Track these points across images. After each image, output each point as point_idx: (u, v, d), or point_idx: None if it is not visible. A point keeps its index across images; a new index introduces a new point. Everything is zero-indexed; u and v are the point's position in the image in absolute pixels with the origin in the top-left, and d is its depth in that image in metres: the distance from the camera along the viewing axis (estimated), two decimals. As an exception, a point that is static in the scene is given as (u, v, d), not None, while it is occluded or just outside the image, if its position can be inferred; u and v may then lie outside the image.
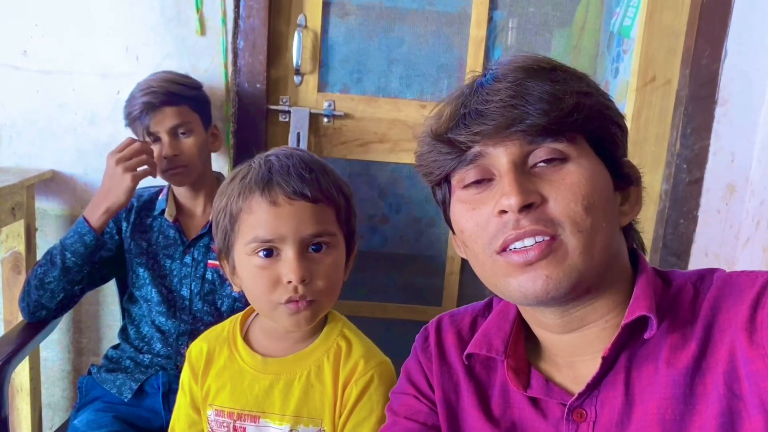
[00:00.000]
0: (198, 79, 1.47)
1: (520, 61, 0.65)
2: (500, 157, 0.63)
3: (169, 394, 1.31)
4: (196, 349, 0.97)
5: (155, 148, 1.34)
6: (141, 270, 1.40)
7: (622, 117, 0.68)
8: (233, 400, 0.92)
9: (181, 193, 1.44)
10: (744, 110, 1.60)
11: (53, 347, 1.75)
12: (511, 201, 0.60)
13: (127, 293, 1.45)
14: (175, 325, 1.38)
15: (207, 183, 1.43)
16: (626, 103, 1.70)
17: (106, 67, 1.60)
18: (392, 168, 1.82)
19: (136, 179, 1.29)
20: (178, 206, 1.43)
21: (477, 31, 1.69)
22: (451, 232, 0.72)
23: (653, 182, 1.69)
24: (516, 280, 0.62)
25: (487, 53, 1.70)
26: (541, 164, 0.63)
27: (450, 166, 0.66)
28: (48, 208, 1.67)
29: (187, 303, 1.39)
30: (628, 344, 0.65)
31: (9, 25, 1.59)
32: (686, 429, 0.61)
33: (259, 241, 0.84)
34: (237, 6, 1.58)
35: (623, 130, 0.68)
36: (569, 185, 0.61)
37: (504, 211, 0.61)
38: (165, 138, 1.35)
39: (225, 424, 0.92)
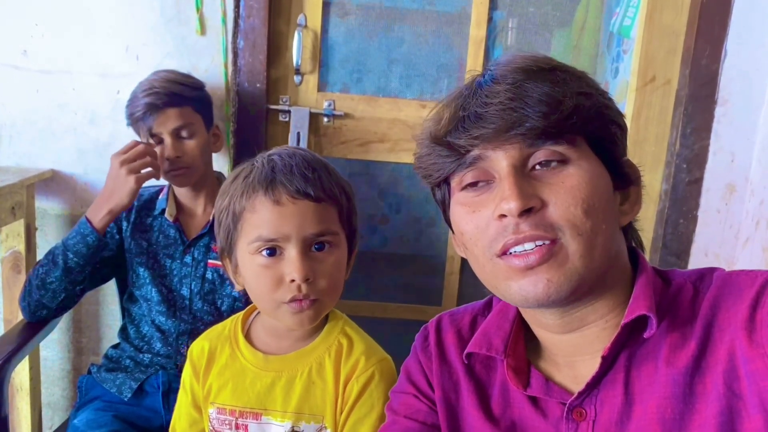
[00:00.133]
0: (198, 78, 1.47)
1: (519, 61, 0.64)
2: (500, 160, 0.62)
3: (169, 394, 1.31)
4: (198, 347, 0.98)
5: (157, 150, 1.34)
6: (141, 269, 1.40)
7: (621, 116, 0.67)
8: (235, 397, 0.92)
9: (182, 192, 1.44)
10: (744, 110, 1.60)
11: (53, 347, 1.75)
12: (511, 205, 0.60)
13: (127, 293, 1.45)
14: (175, 324, 1.38)
15: (208, 183, 1.44)
16: (626, 103, 1.70)
17: (106, 67, 1.60)
18: (392, 168, 1.82)
19: (140, 181, 1.29)
20: (179, 206, 1.44)
21: (477, 31, 1.69)
22: (450, 231, 0.72)
23: (653, 182, 1.69)
24: (517, 284, 0.62)
25: (487, 53, 1.70)
26: (541, 167, 0.62)
27: (449, 169, 0.66)
28: (48, 208, 1.67)
29: (187, 302, 1.39)
30: (627, 343, 0.65)
31: (9, 25, 1.59)
32: (686, 428, 0.61)
33: (263, 240, 0.84)
34: (237, 6, 1.58)
35: (623, 129, 0.68)
36: (569, 188, 0.61)
37: (504, 215, 0.61)
38: (168, 139, 1.35)
39: (227, 422, 0.92)
